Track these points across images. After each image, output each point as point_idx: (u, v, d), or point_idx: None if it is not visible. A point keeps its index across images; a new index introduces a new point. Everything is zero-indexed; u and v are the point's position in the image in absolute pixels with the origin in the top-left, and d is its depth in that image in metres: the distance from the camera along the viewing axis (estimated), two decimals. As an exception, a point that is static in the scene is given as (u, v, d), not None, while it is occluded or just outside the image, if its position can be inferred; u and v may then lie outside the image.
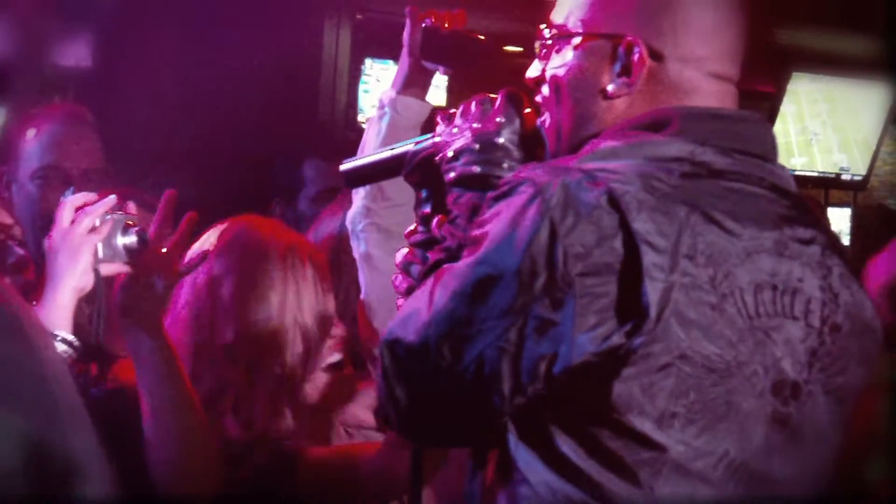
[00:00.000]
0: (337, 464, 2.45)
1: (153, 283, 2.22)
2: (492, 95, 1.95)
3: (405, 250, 1.97)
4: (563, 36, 1.84)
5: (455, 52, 2.67)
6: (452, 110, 1.99)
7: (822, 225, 1.79)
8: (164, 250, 2.24)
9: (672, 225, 1.61)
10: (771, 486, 1.69)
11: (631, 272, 1.58)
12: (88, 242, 2.20)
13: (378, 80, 5.94)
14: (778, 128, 6.92)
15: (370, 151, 2.75)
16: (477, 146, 1.89)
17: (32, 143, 2.94)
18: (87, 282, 2.20)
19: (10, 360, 1.06)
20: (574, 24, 1.83)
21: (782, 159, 1.82)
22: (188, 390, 2.24)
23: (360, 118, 5.94)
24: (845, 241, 7.73)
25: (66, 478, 1.03)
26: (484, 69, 2.65)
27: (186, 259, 2.31)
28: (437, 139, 1.97)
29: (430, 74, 2.76)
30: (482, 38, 2.66)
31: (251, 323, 2.41)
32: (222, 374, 2.39)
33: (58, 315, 2.18)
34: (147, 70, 5.62)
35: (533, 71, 1.90)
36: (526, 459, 1.68)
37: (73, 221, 2.22)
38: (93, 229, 2.21)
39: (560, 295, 1.59)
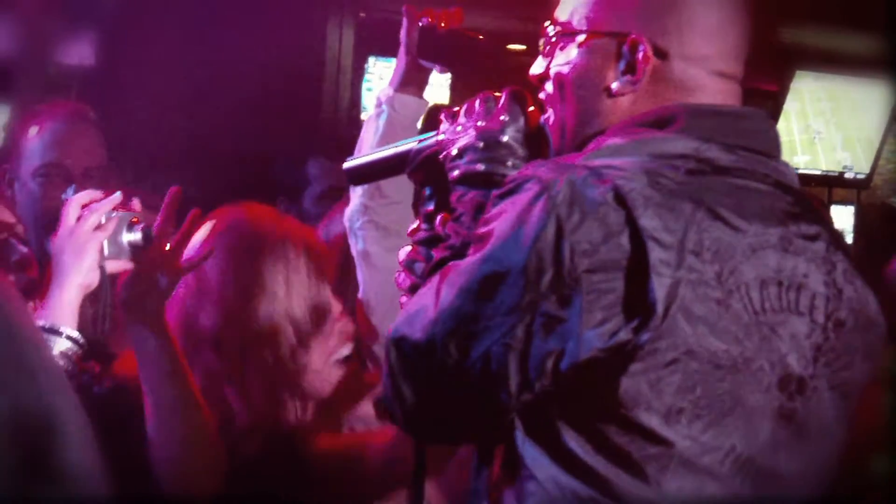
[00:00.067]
0: (344, 454, 2.45)
1: (157, 280, 2.23)
2: (496, 93, 1.95)
3: (408, 248, 1.97)
4: (568, 33, 1.84)
5: (452, 50, 2.68)
6: (456, 108, 1.99)
7: (826, 221, 1.79)
8: (168, 247, 2.24)
9: (678, 221, 1.61)
10: (777, 481, 1.69)
11: (637, 268, 1.59)
12: (94, 240, 2.21)
13: (381, 78, 5.94)
14: (781, 126, 6.91)
15: (368, 149, 2.75)
16: (481, 144, 1.89)
17: (34, 141, 2.94)
18: (93, 279, 2.21)
19: None
20: (579, 21, 1.83)
21: (785, 158, 1.82)
22: (192, 387, 2.24)
23: (363, 116, 5.94)
24: (848, 239, 7.72)
25: (45, 436, 1.03)
26: (487, 67, 2.65)
27: (187, 254, 2.31)
28: (440, 137, 1.97)
29: (428, 72, 2.77)
30: (479, 36, 2.67)
31: (237, 312, 2.41)
32: (210, 364, 2.38)
33: (63, 312, 2.18)
34: (150, 69, 5.63)
35: (537, 68, 1.90)
36: (533, 455, 1.68)
37: (78, 219, 2.22)
38: (98, 226, 2.22)
39: (567, 291, 1.59)
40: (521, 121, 1.91)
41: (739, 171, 1.71)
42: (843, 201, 8.04)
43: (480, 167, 1.88)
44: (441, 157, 1.95)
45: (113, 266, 2.22)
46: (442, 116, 2.00)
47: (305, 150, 4.77)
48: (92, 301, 2.24)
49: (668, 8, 1.77)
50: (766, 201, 1.71)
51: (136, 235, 2.24)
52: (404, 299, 1.92)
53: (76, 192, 2.30)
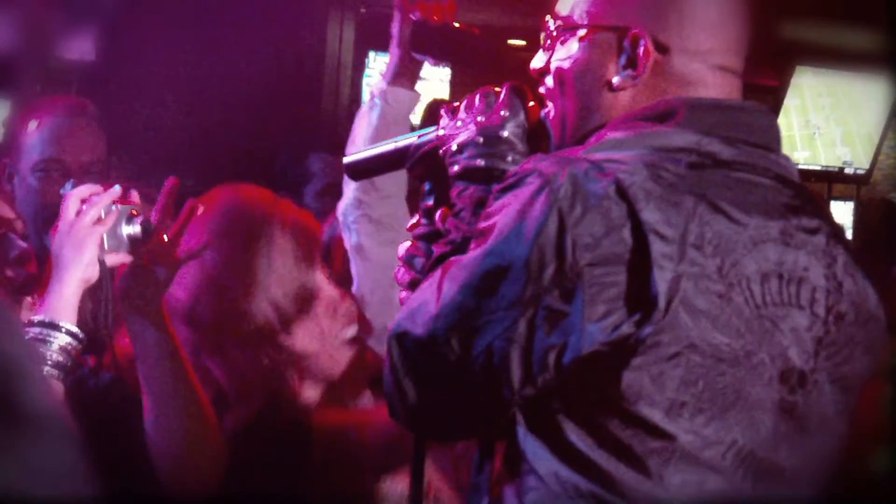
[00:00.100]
0: (342, 428, 2.45)
1: (155, 273, 2.23)
2: (496, 89, 1.95)
3: (408, 243, 1.97)
4: (569, 28, 1.84)
5: (444, 43, 2.68)
6: (456, 104, 1.98)
7: (827, 214, 1.79)
8: (166, 238, 2.24)
9: (679, 215, 1.61)
10: (779, 475, 1.70)
11: (639, 262, 1.59)
12: (94, 234, 2.20)
13: (382, 73, 5.94)
14: (781, 121, 6.92)
15: (361, 143, 2.76)
16: (481, 139, 1.89)
17: (34, 136, 2.94)
18: (93, 273, 2.20)
19: None
20: (579, 15, 1.83)
21: (785, 153, 1.82)
22: (191, 380, 2.23)
23: (364, 111, 5.94)
24: (848, 235, 7.72)
25: (8, 380, 1.03)
26: (481, 61, 2.65)
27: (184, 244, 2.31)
28: (440, 132, 1.97)
29: (420, 66, 2.77)
30: (471, 29, 2.67)
31: (216, 294, 2.41)
32: (184, 337, 2.37)
33: (62, 307, 2.17)
34: (150, 66, 5.63)
35: (537, 62, 1.90)
36: (534, 450, 1.68)
37: (78, 213, 2.22)
38: (98, 220, 2.21)
39: (569, 285, 1.60)
40: (522, 116, 1.91)
41: (740, 164, 1.71)
42: (843, 197, 8.05)
43: (480, 162, 1.88)
44: (441, 152, 1.95)
45: (112, 259, 2.22)
46: (442, 112, 2.00)
47: (306, 145, 4.77)
48: (92, 295, 2.24)
49: (669, 2, 1.77)
50: (767, 195, 1.71)
51: (135, 228, 2.24)
52: (404, 295, 1.91)
53: (75, 187, 2.30)
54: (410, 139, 2.05)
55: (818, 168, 7.67)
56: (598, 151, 1.69)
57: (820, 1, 6.33)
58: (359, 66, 6.23)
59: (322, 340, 2.49)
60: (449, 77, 7.35)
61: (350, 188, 2.76)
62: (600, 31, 1.81)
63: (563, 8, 1.87)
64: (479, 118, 1.91)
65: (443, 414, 1.77)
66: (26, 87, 5.04)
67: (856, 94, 7.70)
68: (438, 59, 2.75)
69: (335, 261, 2.90)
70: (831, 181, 7.83)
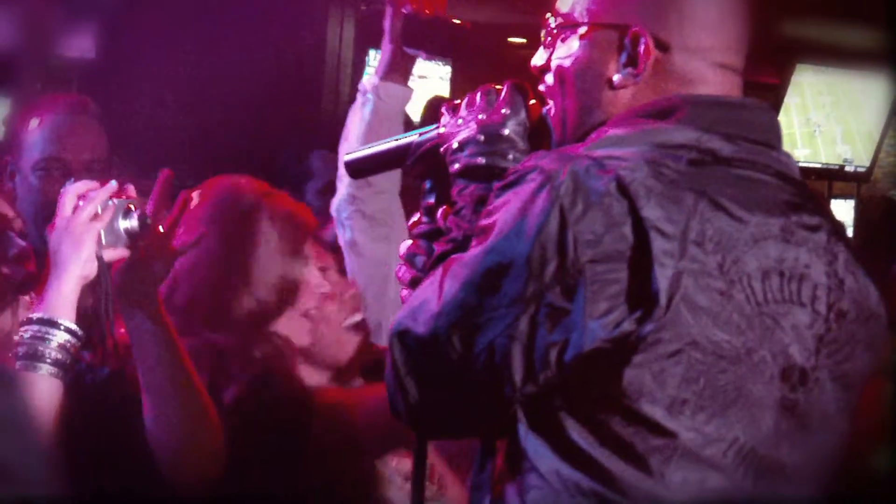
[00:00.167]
0: (335, 405, 2.45)
1: (152, 266, 2.22)
2: (497, 87, 1.95)
3: (409, 241, 1.97)
4: (569, 25, 1.84)
5: (435, 37, 2.69)
6: (457, 101, 1.98)
7: (828, 212, 1.79)
8: (161, 230, 2.24)
9: (680, 212, 1.62)
10: (780, 473, 1.69)
11: (641, 259, 1.59)
12: (91, 230, 2.20)
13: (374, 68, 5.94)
14: (782, 119, 6.90)
15: (354, 139, 2.76)
16: (482, 137, 1.89)
17: (35, 134, 2.93)
18: (91, 270, 2.20)
19: None
20: (580, 13, 1.83)
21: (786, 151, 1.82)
22: (189, 372, 2.23)
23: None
24: (849, 232, 7.72)
25: None
26: (480, 56, 2.66)
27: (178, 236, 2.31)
28: (441, 130, 1.97)
29: (413, 61, 2.77)
30: (462, 23, 2.67)
31: (198, 284, 2.41)
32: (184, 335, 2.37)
33: (61, 304, 2.17)
34: (151, 64, 5.63)
35: (538, 59, 1.90)
36: (535, 448, 1.68)
37: (74, 209, 2.22)
38: (95, 216, 2.21)
39: (571, 282, 1.60)
40: (523, 114, 1.91)
41: (741, 161, 1.71)
42: (844, 195, 8.05)
43: (481, 160, 1.88)
44: (442, 150, 1.95)
45: (110, 255, 2.21)
46: (443, 109, 2.00)
47: (306, 143, 4.77)
48: (91, 291, 2.24)
49: (670, 1, 1.77)
50: (768, 192, 1.71)
51: (132, 222, 2.23)
52: (405, 293, 1.91)
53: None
54: (411, 137, 2.05)
55: (819, 166, 7.67)
56: (599, 148, 1.69)
57: (820, -1, 6.34)
58: (359, 65, 6.23)
59: (317, 330, 2.50)
60: (449, 75, 7.35)
61: (343, 184, 2.77)
62: (601, 28, 1.81)
63: (563, 5, 1.86)
64: (480, 116, 1.91)
65: (444, 412, 1.77)
66: (27, 86, 5.04)
67: (856, 92, 7.70)
68: (431, 54, 2.76)
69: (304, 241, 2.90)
70: (832, 179, 7.83)
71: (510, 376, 1.64)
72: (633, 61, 1.78)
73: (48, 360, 2.14)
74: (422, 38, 2.69)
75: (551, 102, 1.88)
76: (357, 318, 2.57)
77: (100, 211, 2.21)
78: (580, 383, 1.63)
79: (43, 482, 1.16)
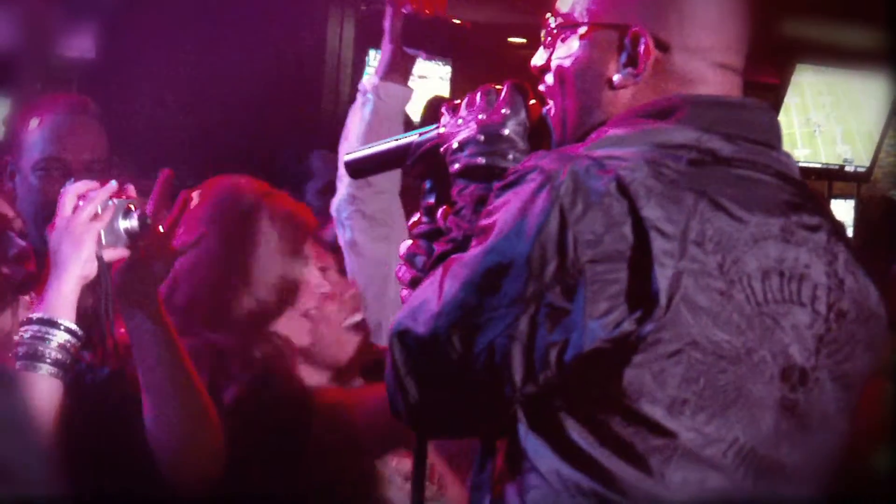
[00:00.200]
0: (347, 407, 2.45)
1: (152, 265, 2.22)
2: (497, 87, 1.95)
3: (409, 241, 1.97)
4: (569, 25, 1.84)
5: (435, 37, 2.69)
6: (457, 101, 1.98)
7: (828, 212, 1.79)
8: (161, 229, 2.24)
9: (680, 212, 1.62)
10: (780, 473, 1.69)
11: (641, 259, 1.59)
12: (91, 230, 2.20)
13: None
14: (782, 119, 6.90)
15: (353, 139, 2.76)
16: (482, 137, 1.89)
17: (35, 134, 2.93)
18: (91, 270, 2.20)
19: None
20: (580, 13, 1.83)
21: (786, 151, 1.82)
22: (189, 372, 2.23)
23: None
24: (849, 232, 7.72)
25: None
26: (480, 56, 2.67)
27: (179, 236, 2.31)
28: (441, 130, 1.97)
29: (412, 60, 2.77)
30: (462, 22, 2.67)
31: (197, 284, 2.42)
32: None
33: (61, 304, 2.17)
34: (151, 64, 5.63)
35: (538, 59, 1.90)
36: (535, 448, 1.68)
37: (74, 210, 2.22)
38: (95, 216, 2.21)
39: (571, 282, 1.60)
40: (523, 114, 1.91)
41: (741, 161, 1.71)
42: (844, 195, 8.05)
43: (481, 160, 1.88)
44: (442, 150, 1.95)
45: (110, 254, 2.21)
46: (443, 109, 2.00)
47: (306, 143, 4.77)
48: (91, 291, 2.24)
49: (670, 1, 1.77)
50: (768, 192, 1.71)
51: (132, 222, 2.23)
52: (405, 293, 1.92)
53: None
54: (411, 137, 2.05)
55: (819, 166, 7.67)
56: (599, 148, 1.69)
57: (820, -2, 6.34)
58: (359, 65, 6.23)
59: (317, 330, 2.50)
60: (449, 75, 7.35)
61: (343, 184, 2.77)
62: (601, 28, 1.81)
63: (563, 5, 1.86)
64: (480, 116, 1.91)
65: (444, 412, 1.77)
66: (27, 85, 5.04)
67: (856, 92, 7.71)
68: (431, 54, 2.76)
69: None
70: (832, 179, 7.83)
71: (510, 376, 1.64)
72: (633, 61, 1.78)
73: (48, 360, 2.14)
74: (422, 38, 2.69)
75: (551, 102, 1.88)
76: (357, 318, 2.57)
77: (100, 211, 2.21)
78: (580, 383, 1.63)
79: (43, 482, 1.16)
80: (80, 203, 2.22)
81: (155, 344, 2.22)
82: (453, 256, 1.73)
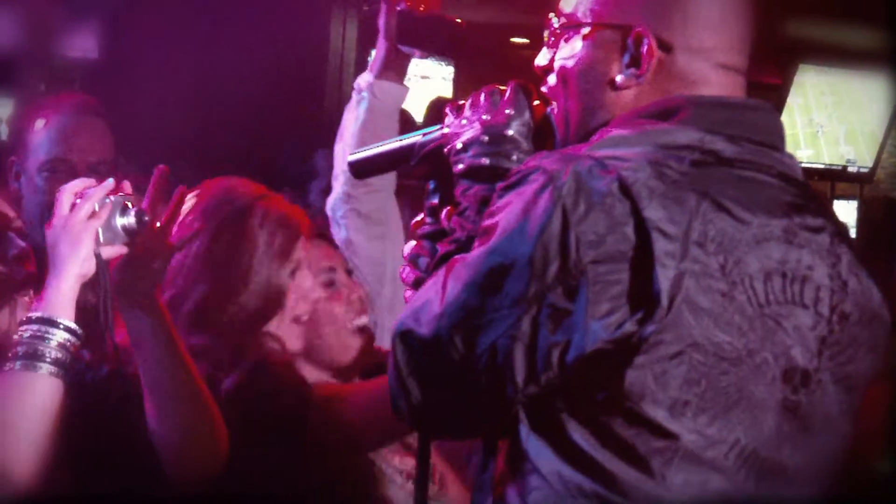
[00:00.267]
0: (342, 399, 2.45)
1: (150, 262, 2.22)
2: (501, 87, 1.95)
3: (412, 242, 1.97)
4: (572, 26, 1.84)
5: (430, 35, 2.68)
6: (461, 102, 1.98)
7: (831, 213, 1.79)
8: (158, 225, 2.24)
9: (683, 212, 1.61)
10: (781, 475, 1.69)
11: (642, 260, 1.59)
12: (89, 228, 2.20)
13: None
14: (784, 120, 6.89)
15: (349, 138, 2.76)
16: (486, 138, 1.89)
17: (41, 135, 2.92)
18: (90, 268, 2.20)
19: None
20: (583, 13, 1.83)
21: (788, 151, 1.82)
22: (190, 369, 2.23)
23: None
24: (851, 233, 7.72)
25: None
26: (475, 54, 2.67)
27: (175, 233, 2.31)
28: (445, 130, 1.97)
29: (407, 59, 2.77)
30: (457, 20, 2.67)
31: (185, 284, 2.42)
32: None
33: (60, 303, 2.17)
34: (153, 64, 5.63)
35: (541, 59, 1.90)
36: (537, 449, 1.68)
37: (72, 208, 2.22)
38: (92, 214, 2.21)
39: (573, 282, 1.60)
40: (527, 114, 1.91)
41: (744, 162, 1.71)
42: (846, 195, 8.05)
43: (485, 161, 1.88)
44: (446, 150, 1.95)
45: (108, 252, 2.21)
46: (447, 110, 2.00)
47: (309, 143, 4.77)
48: (90, 289, 2.24)
49: (673, 1, 1.77)
50: (771, 193, 1.71)
51: (129, 219, 2.23)
52: (408, 294, 1.92)
53: None
54: (415, 137, 2.05)
55: (821, 166, 7.67)
56: (602, 149, 1.69)
57: (823, -1, 6.34)
58: (362, 64, 6.22)
59: (319, 330, 2.51)
60: (452, 75, 7.34)
61: (339, 183, 2.77)
62: (604, 29, 1.81)
63: (566, 6, 1.87)
64: (483, 116, 1.91)
65: (447, 412, 1.77)
66: (30, 85, 5.04)
67: (859, 93, 7.71)
68: (425, 52, 2.75)
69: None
70: (834, 180, 7.83)
71: (512, 377, 1.64)
72: (636, 62, 1.78)
73: (48, 360, 2.14)
74: (416, 35, 2.69)
75: (555, 103, 1.88)
76: (363, 320, 2.57)
77: (97, 208, 2.21)
78: (582, 384, 1.63)
79: (43, 482, 1.17)
80: (77, 201, 2.22)
81: (154, 340, 2.22)
82: (456, 257, 1.73)
